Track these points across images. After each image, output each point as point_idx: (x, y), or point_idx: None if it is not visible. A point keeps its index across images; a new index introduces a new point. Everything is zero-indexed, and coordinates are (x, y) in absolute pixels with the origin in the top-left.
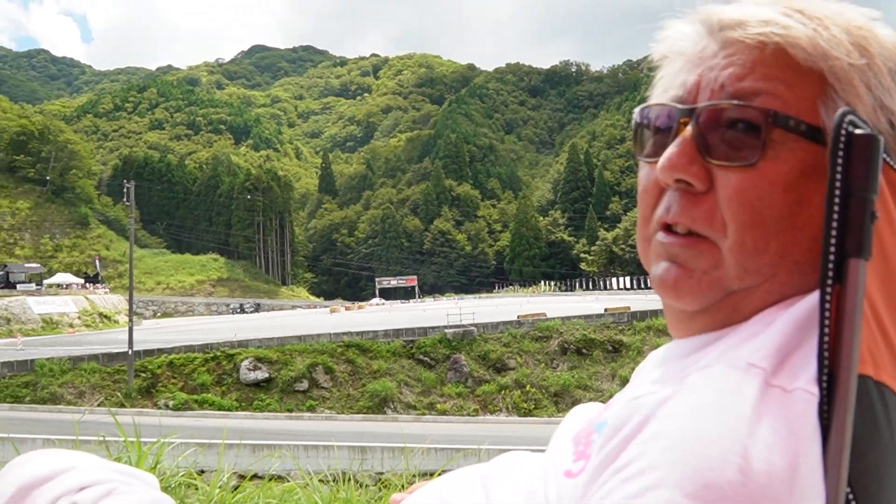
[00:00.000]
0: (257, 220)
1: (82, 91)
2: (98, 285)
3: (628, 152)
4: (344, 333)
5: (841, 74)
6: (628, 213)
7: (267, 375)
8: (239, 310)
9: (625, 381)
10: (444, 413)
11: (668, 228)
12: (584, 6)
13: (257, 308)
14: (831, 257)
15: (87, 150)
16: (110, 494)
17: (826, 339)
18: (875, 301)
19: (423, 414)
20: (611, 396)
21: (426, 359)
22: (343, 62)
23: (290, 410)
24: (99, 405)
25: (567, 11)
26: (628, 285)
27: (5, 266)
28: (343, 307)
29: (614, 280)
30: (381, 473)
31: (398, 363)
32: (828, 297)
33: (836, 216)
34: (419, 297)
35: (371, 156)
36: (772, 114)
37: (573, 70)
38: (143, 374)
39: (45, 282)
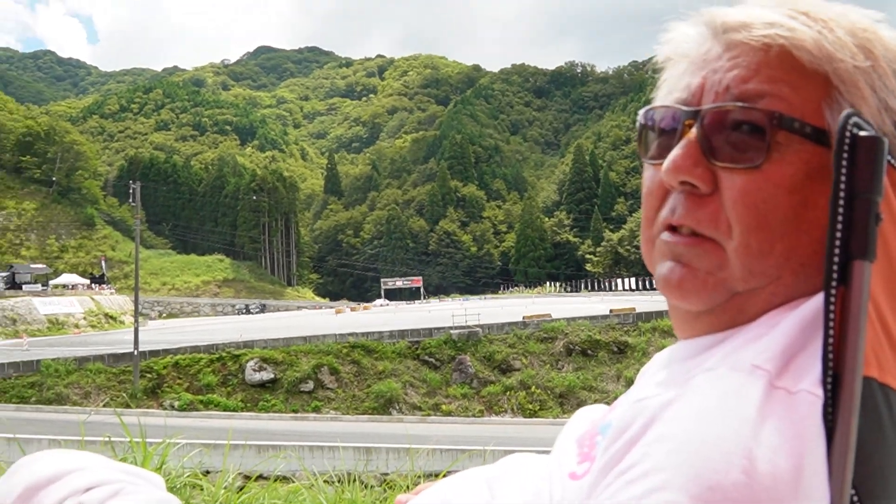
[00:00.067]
0: (263, 220)
1: (88, 92)
2: (104, 286)
3: (634, 153)
4: (349, 334)
5: (846, 76)
6: (634, 214)
7: (272, 376)
8: (244, 310)
9: (630, 383)
10: (449, 414)
11: (672, 230)
12: (589, 7)
13: (263, 309)
14: (836, 259)
15: (93, 151)
16: (117, 495)
17: (831, 341)
18: (880, 303)
19: (429, 415)
20: (616, 398)
21: (431, 360)
22: (349, 63)
23: (295, 411)
24: (104, 406)
25: (572, 12)
26: (634, 286)
27: (11, 267)
28: (348, 308)
29: (620, 281)
30: (387, 474)
31: (403, 364)
32: (832, 299)
33: (840, 218)
34: (424, 298)
35: (376, 157)
36: (777, 116)
37: (578, 71)
38: (149, 375)
39: (51, 282)
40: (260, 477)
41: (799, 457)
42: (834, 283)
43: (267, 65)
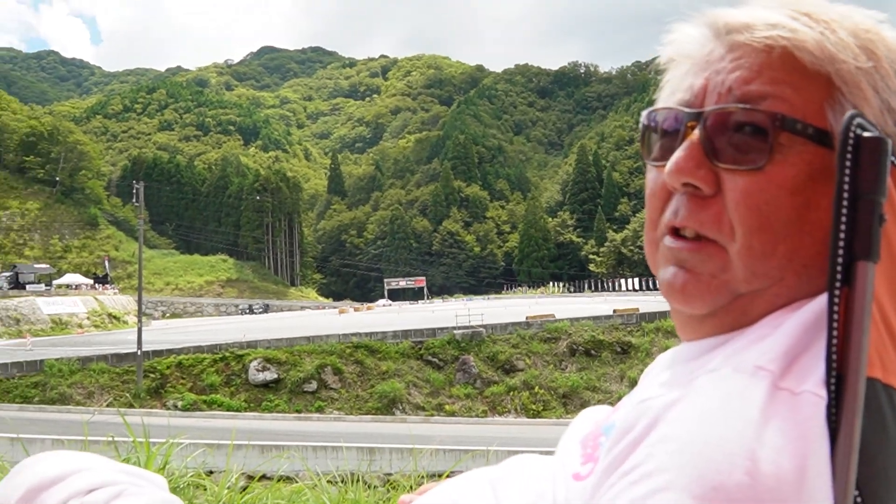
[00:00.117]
0: (266, 220)
1: (92, 92)
2: (107, 286)
3: (637, 153)
4: (353, 334)
5: (848, 77)
6: (637, 215)
7: (276, 376)
8: (248, 310)
9: (633, 383)
10: (452, 414)
11: (675, 232)
12: (592, 7)
13: (266, 309)
14: (839, 260)
15: (97, 151)
16: (119, 496)
17: (834, 341)
18: (883, 304)
19: (432, 415)
20: (619, 398)
21: (435, 360)
22: (352, 63)
23: (298, 411)
24: (108, 406)
25: (576, 13)
26: (637, 286)
27: (15, 267)
28: (352, 308)
29: (623, 281)
30: (390, 474)
31: (407, 364)
32: (836, 300)
33: (844, 219)
34: (428, 298)
35: (380, 157)
36: (779, 117)
37: (582, 71)
38: (152, 375)
39: (55, 282)
40: (263, 477)
41: (802, 458)
42: (838, 284)
43: (270, 65)
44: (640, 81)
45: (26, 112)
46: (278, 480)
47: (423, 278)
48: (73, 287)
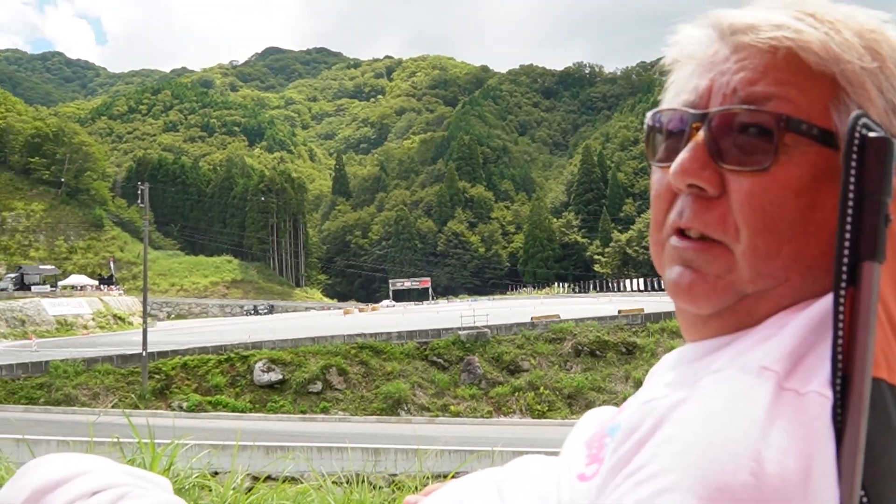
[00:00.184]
0: (271, 221)
1: (97, 93)
2: (112, 287)
3: (642, 154)
4: (357, 335)
5: (853, 78)
6: (642, 215)
7: (280, 377)
8: (253, 311)
9: (638, 383)
10: (457, 415)
11: (681, 233)
12: (597, 8)
13: (271, 310)
14: (845, 260)
15: (102, 152)
16: (123, 498)
17: (840, 342)
18: (889, 304)
19: (437, 416)
20: (625, 398)
21: (440, 360)
22: (357, 64)
23: (303, 412)
24: (113, 407)
25: (580, 13)
26: (642, 287)
27: (20, 268)
28: (357, 309)
29: (628, 282)
30: (395, 475)
31: (412, 365)
32: (842, 300)
33: (849, 219)
34: (433, 299)
35: (385, 157)
36: (784, 118)
37: (587, 72)
38: (157, 376)
39: (60, 283)
40: (268, 478)
41: (808, 458)
42: (843, 285)
43: (275, 66)
44: (644, 82)
45: (31, 113)
46: (283, 481)
47: (428, 279)
48: (79, 288)
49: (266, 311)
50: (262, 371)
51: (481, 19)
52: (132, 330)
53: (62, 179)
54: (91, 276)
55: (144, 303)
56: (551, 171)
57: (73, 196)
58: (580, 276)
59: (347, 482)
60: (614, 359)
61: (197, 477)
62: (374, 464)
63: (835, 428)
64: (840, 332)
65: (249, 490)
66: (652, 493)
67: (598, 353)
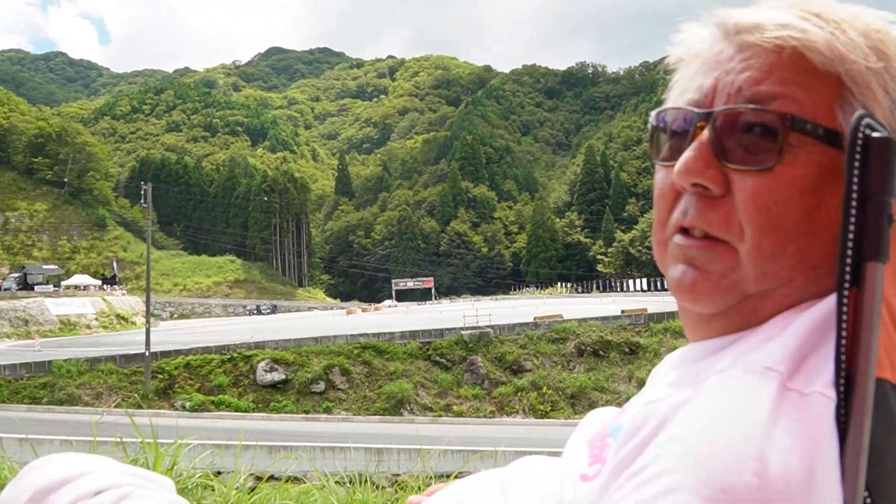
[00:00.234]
0: (274, 221)
1: (100, 93)
2: (115, 287)
3: (645, 154)
4: (360, 335)
5: (858, 78)
6: (645, 215)
7: (283, 377)
8: (256, 311)
9: (641, 384)
10: (460, 415)
11: (685, 232)
12: (600, 8)
13: (274, 309)
14: (848, 260)
15: (105, 153)
16: (126, 498)
17: (843, 342)
18: (893, 304)
19: (440, 416)
20: (628, 399)
21: (442, 360)
22: (359, 64)
23: (306, 412)
24: (116, 406)
25: (583, 13)
26: (645, 287)
27: (23, 268)
28: (359, 309)
29: (631, 282)
30: (398, 475)
31: (414, 365)
32: (845, 301)
33: (853, 219)
34: (436, 299)
35: (387, 157)
36: (789, 118)
37: (590, 71)
38: (160, 376)
39: (63, 283)
40: (271, 478)
41: (811, 458)
42: (847, 285)
43: (278, 66)
44: (648, 82)
45: (34, 113)
46: (286, 481)
47: (431, 279)
48: (82, 288)
49: (269, 310)
50: (265, 371)
51: (484, 19)
52: (135, 330)
53: (65, 179)
54: (94, 275)
55: (147, 303)
56: (554, 170)
57: (77, 196)
58: (583, 276)
59: (350, 482)
60: (617, 359)
61: (200, 477)
62: (377, 464)
63: (838, 428)
64: (843, 333)
65: (252, 490)
66: (655, 494)
67: (601, 353)
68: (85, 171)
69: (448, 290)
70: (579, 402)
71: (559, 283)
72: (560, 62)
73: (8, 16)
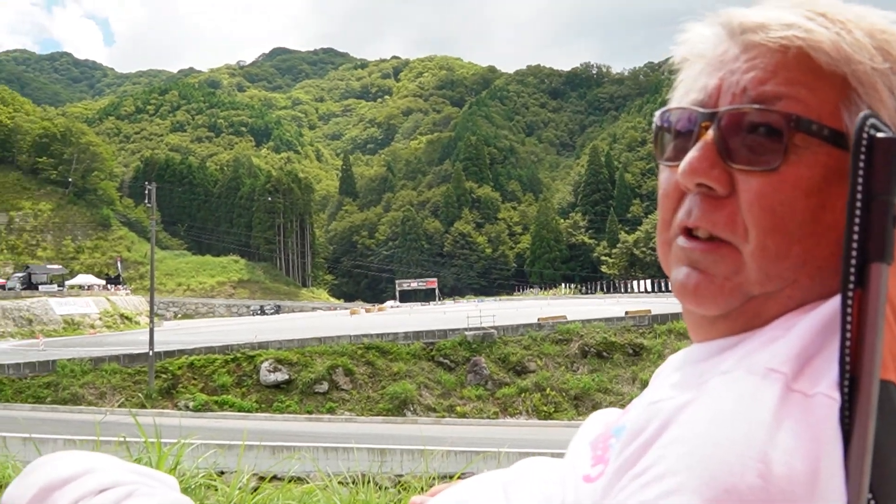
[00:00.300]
0: (278, 222)
1: (104, 93)
2: (119, 287)
3: (649, 154)
4: (364, 335)
5: (864, 78)
6: (649, 216)
7: (287, 377)
8: (259, 311)
9: (645, 385)
10: (463, 415)
11: (688, 233)
12: (604, 8)
13: (278, 310)
14: (853, 261)
15: (109, 153)
16: (130, 496)
17: (848, 343)
18: None
19: (443, 416)
20: (631, 400)
21: (446, 361)
22: (364, 64)
23: (309, 412)
24: (120, 406)
25: (588, 14)
26: (649, 288)
27: (27, 267)
28: (363, 309)
29: (635, 283)
30: (401, 476)
31: (418, 365)
32: (849, 302)
33: (857, 220)
34: (439, 300)
35: (391, 158)
36: (794, 118)
37: (594, 72)
38: (164, 376)
39: (67, 283)
40: (274, 478)
41: (815, 460)
42: (851, 286)
43: (282, 66)
44: (652, 82)
45: (39, 113)
46: (289, 481)
47: (435, 279)
48: (86, 288)
49: (272, 311)
50: (269, 371)
51: (488, 20)
52: (139, 329)
53: (70, 179)
54: (98, 275)
55: (151, 302)
56: (558, 171)
57: (81, 196)
58: (587, 277)
59: (353, 482)
60: (621, 360)
61: (203, 476)
62: (380, 464)
63: (842, 430)
64: (848, 334)
65: (255, 490)
66: (658, 495)
67: (604, 354)
68: (89, 171)
69: (452, 291)
70: (583, 403)
71: (563, 284)
72: (564, 63)
73: (13, 16)
